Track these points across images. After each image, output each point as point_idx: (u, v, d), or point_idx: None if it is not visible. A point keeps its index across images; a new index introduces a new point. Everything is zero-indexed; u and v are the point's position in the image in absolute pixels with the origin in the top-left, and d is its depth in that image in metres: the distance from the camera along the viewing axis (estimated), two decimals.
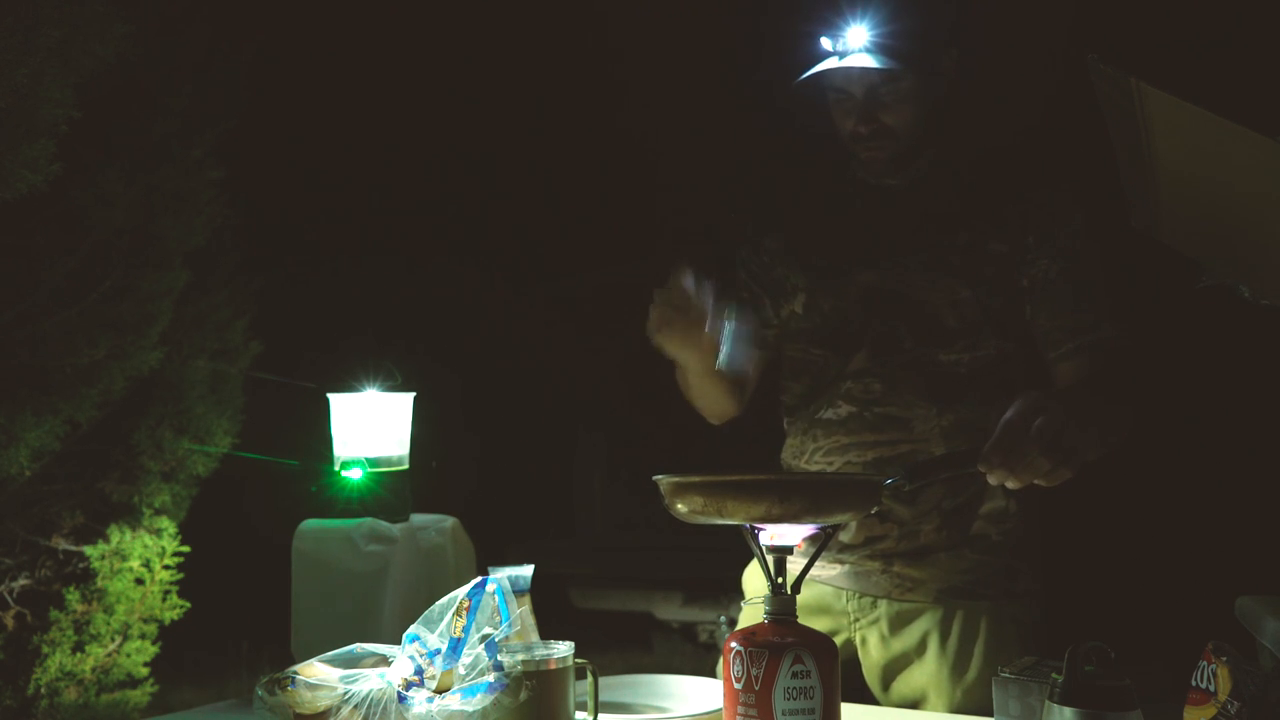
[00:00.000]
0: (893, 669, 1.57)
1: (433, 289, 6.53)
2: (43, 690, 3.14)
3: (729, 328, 1.38)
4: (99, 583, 3.26)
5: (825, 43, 1.49)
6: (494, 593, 1.24)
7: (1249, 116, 0.93)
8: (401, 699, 1.16)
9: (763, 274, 1.71)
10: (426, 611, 1.24)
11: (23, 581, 3.26)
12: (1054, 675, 0.98)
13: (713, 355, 1.44)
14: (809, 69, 1.51)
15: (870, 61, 1.45)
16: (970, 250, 1.54)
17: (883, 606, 1.57)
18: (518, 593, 1.36)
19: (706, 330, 1.41)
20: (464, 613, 1.22)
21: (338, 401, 1.66)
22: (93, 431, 3.24)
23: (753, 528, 1.10)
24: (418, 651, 1.21)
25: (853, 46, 1.47)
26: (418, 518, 1.68)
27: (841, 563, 1.60)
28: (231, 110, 3.47)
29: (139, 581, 3.33)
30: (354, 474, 1.62)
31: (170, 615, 3.41)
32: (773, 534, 1.10)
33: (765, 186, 1.78)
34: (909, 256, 1.57)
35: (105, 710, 3.24)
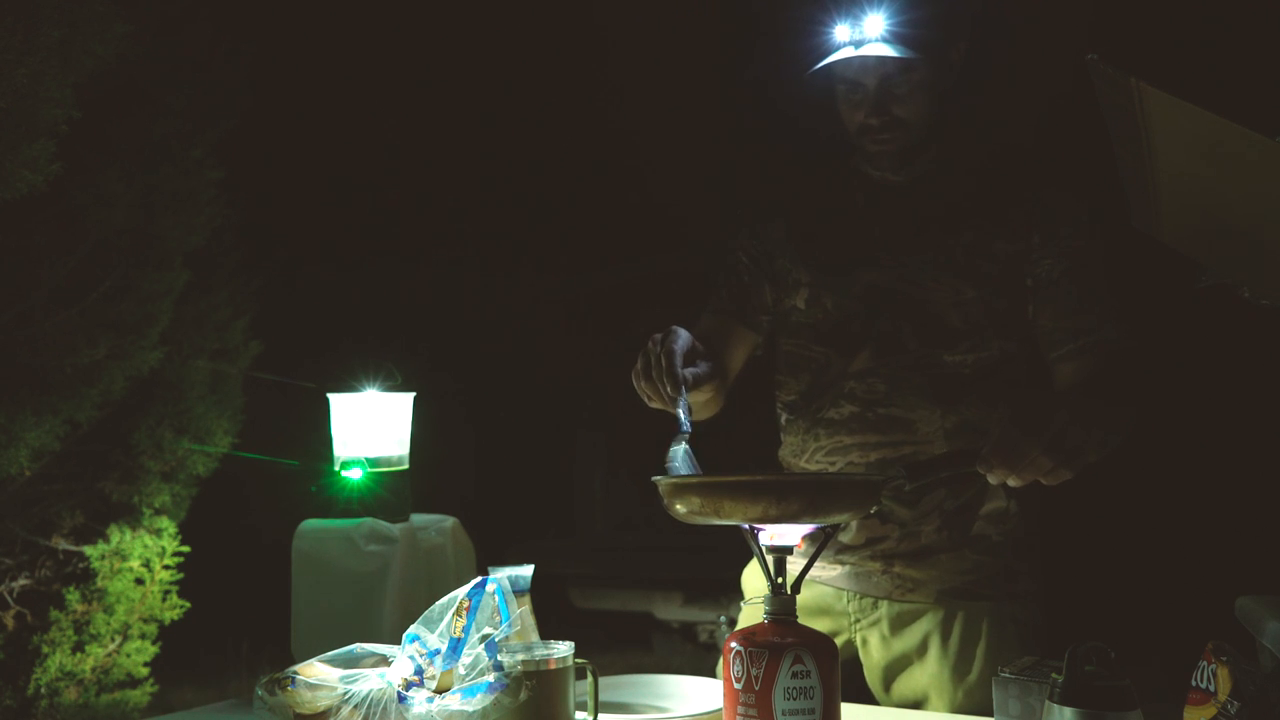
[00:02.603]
0: (894, 669, 1.56)
1: (433, 289, 6.54)
2: (43, 690, 3.14)
3: (685, 406, 1.36)
4: (99, 583, 3.26)
5: (841, 32, 1.47)
6: (494, 593, 1.24)
7: (1249, 116, 0.93)
8: (401, 699, 1.16)
9: (764, 261, 1.69)
10: (426, 611, 1.24)
11: (23, 581, 3.26)
12: (1054, 675, 0.98)
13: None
14: (818, 59, 1.49)
15: (888, 51, 1.43)
16: (975, 250, 1.54)
17: (884, 607, 1.57)
18: (518, 593, 1.36)
19: (667, 400, 1.38)
20: (464, 613, 1.22)
21: (338, 401, 1.66)
22: (93, 431, 3.24)
23: (752, 528, 1.09)
24: (418, 651, 1.21)
25: (869, 36, 1.45)
26: (418, 518, 1.68)
27: (842, 564, 1.60)
28: (231, 110, 3.47)
29: (139, 581, 3.33)
30: (354, 474, 1.62)
31: (170, 615, 3.41)
32: (772, 534, 1.10)
33: (766, 178, 1.77)
34: (913, 256, 1.56)
35: (105, 710, 3.24)
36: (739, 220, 1.74)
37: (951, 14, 1.51)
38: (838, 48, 1.48)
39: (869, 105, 1.52)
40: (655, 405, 1.45)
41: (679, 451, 1.34)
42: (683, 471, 1.33)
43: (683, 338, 1.40)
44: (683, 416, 1.35)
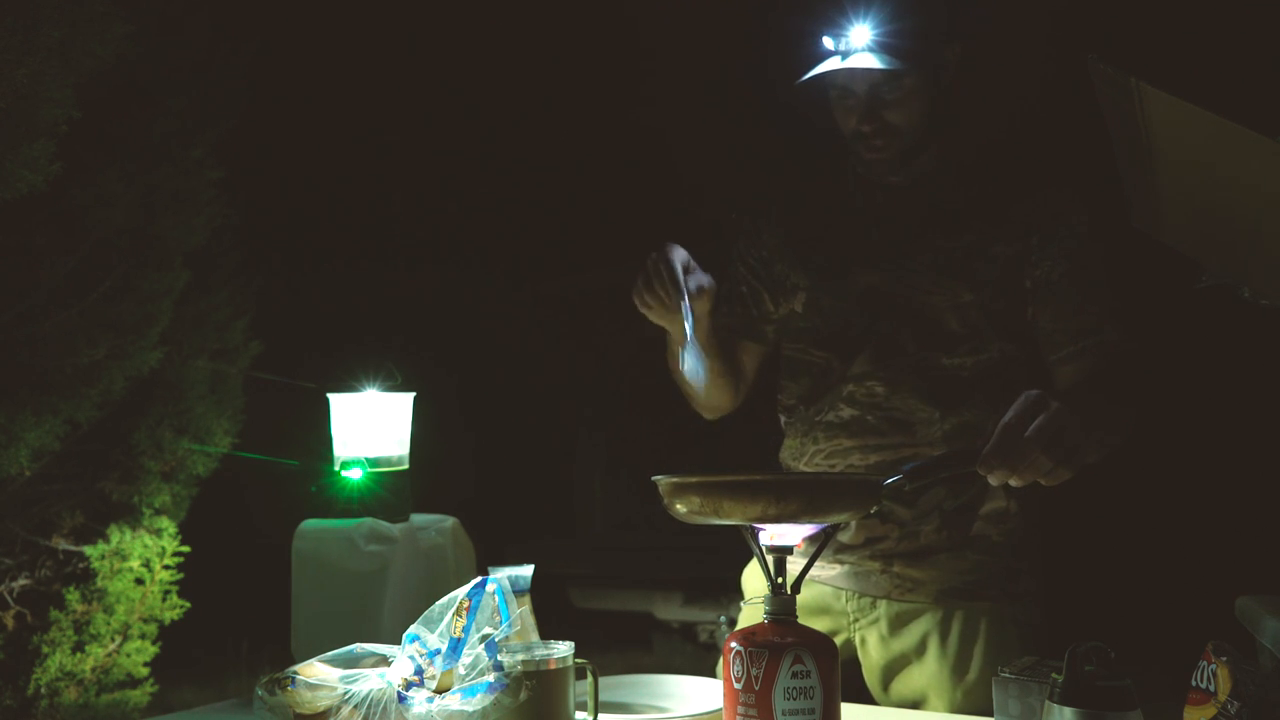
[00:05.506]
0: (893, 669, 1.56)
1: (432, 289, 6.53)
2: (43, 690, 3.14)
3: (688, 310, 1.45)
4: (99, 583, 3.26)
5: (828, 42, 1.48)
6: (494, 593, 1.24)
7: (1249, 116, 0.93)
8: (401, 699, 1.16)
9: (762, 269, 1.70)
10: (426, 611, 1.24)
11: (23, 581, 3.26)
12: (1054, 675, 0.98)
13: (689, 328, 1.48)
14: (812, 67, 1.50)
15: (873, 61, 1.44)
16: (973, 252, 1.54)
17: (883, 607, 1.57)
18: (518, 593, 1.36)
19: (671, 306, 1.47)
20: (464, 613, 1.22)
21: (338, 401, 1.66)
22: (93, 431, 3.24)
23: (752, 527, 1.10)
24: (418, 651, 1.21)
25: (855, 46, 1.46)
26: (418, 518, 1.68)
27: (841, 563, 1.60)
28: (231, 110, 3.47)
29: (139, 581, 3.33)
30: (354, 474, 1.62)
31: (170, 615, 3.41)
32: (772, 534, 1.10)
33: (764, 181, 1.77)
34: (912, 258, 1.56)
35: (105, 710, 3.24)
36: (738, 226, 1.74)
37: (939, 20, 1.51)
38: (828, 56, 1.48)
39: (860, 111, 1.53)
40: (656, 318, 1.51)
41: (686, 353, 1.45)
42: (692, 366, 1.45)
43: (680, 251, 1.49)
44: (688, 325, 1.44)
